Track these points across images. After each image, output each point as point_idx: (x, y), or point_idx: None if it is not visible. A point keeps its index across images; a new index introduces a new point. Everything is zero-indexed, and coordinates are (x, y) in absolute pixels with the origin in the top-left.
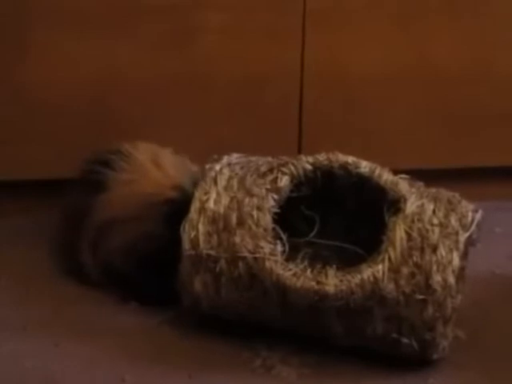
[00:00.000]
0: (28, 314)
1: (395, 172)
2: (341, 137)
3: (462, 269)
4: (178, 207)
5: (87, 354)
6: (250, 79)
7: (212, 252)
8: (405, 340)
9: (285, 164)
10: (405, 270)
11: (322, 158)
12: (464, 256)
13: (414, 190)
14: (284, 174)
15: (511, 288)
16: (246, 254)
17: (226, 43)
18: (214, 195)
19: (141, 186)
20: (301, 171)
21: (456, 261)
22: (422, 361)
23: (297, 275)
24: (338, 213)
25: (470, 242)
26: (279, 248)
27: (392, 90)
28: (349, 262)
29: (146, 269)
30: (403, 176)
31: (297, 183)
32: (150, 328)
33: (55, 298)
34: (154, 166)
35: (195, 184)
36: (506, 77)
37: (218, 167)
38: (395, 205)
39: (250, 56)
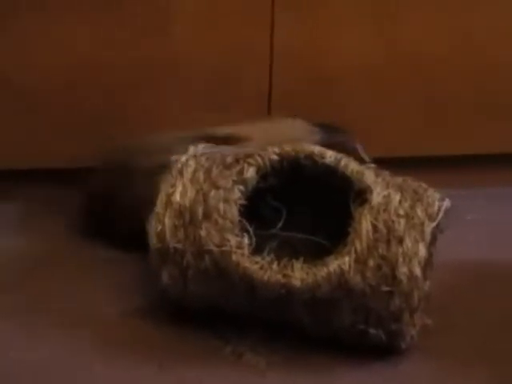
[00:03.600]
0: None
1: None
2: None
3: (429, 256)
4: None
5: (58, 343)
6: (223, 64)
7: (178, 246)
8: (372, 331)
9: (251, 155)
10: (371, 262)
11: (288, 148)
12: (432, 244)
13: (380, 179)
14: (250, 165)
15: (481, 275)
16: (213, 248)
17: (200, 28)
18: (179, 188)
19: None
20: (267, 162)
21: (422, 252)
22: (392, 350)
23: (263, 268)
24: (305, 203)
25: (437, 230)
26: (246, 241)
27: (362, 74)
28: (316, 253)
29: None
30: (370, 165)
31: (263, 174)
32: (119, 318)
33: (28, 287)
34: (276, 126)
35: None
36: (484, 67)
37: (183, 159)
38: (361, 195)
39: (222, 41)
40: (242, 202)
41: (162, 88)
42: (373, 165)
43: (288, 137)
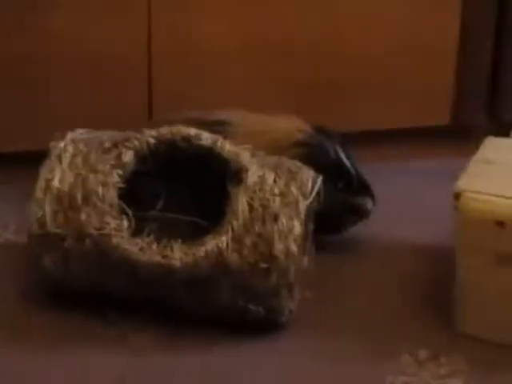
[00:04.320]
0: None
1: None
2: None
3: (306, 233)
4: (308, 148)
5: None
6: (98, 57)
7: (59, 231)
8: (251, 307)
9: (128, 139)
10: (248, 240)
11: (164, 131)
12: (308, 221)
13: (255, 160)
14: (128, 148)
15: (365, 250)
16: (92, 231)
17: (73, 20)
18: (58, 173)
19: (267, 134)
20: (144, 145)
21: (297, 229)
22: (272, 324)
23: (143, 250)
24: (183, 185)
25: (312, 207)
26: (125, 223)
27: (238, 62)
28: (195, 234)
29: None
30: (245, 146)
31: (142, 157)
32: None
33: None
34: (270, 119)
35: None
36: (351, 47)
37: (62, 145)
38: (237, 175)
39: (97, 34)
40: (121, 185)
41: (30, 84)
42: (248, 146)
43: (274, 129)
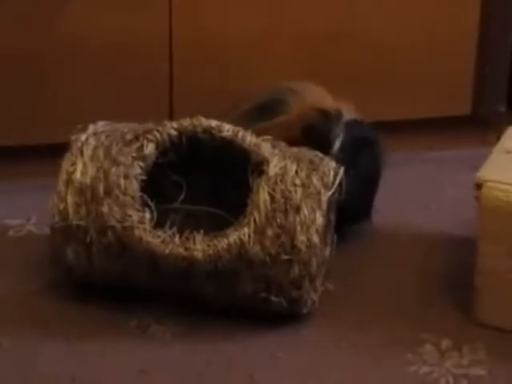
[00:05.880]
0: None
1: None
2: (211, 102)
3: (328, 224)
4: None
5: None
6: (118, 48)
7: (81, 223)
8: (274, 298)
9: (150, 131)
10: (270, 232)
11: (186, 123)
12: (329, 212)
13: (276, 151)
14: (149, 140)
15: (386, 241)
16: (115, 224)
17: (93, 12)
18: (80, 166)
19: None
20: (166, 137)
21: (319, 220)
22: (294, 316)
23: (165, 242)
24: (204, 177)
25: (334, 198)
26: (147, 215)
27: (257, 52)
28: (217, 226)
29: None
30: (266, 137)
31: (163, 149)
32: (26, 294)
33: None
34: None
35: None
36: (370, 38)
37: (83, 137)
38: (259, 167)
39: (116, 25)
40: (143, 177)
41: (53, 75)
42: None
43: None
